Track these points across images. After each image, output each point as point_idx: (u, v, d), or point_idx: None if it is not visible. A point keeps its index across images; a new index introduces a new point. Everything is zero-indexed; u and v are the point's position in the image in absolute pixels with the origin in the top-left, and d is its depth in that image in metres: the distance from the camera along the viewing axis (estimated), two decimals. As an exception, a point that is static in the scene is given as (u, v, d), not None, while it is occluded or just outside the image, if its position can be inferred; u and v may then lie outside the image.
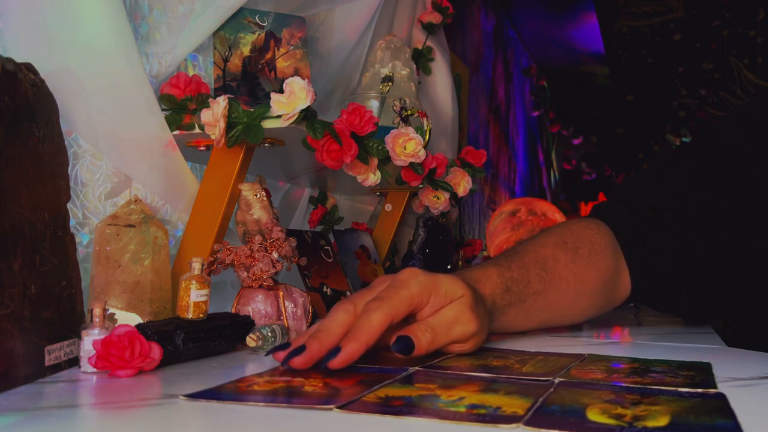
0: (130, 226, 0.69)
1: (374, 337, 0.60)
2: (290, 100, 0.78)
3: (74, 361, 0.59)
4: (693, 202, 0.92)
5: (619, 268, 0.91)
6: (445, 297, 0.66)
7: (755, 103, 1.07)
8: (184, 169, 0.86)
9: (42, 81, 0.60)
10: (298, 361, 0.57)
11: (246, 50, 1.02)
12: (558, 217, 2.12)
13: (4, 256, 0.51)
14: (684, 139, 4.72)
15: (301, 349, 0.58)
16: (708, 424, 0.43)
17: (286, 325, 0.76)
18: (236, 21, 1.01)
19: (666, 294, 0.93)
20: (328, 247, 1.13)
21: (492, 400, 0.48)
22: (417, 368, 0.60)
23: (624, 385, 0.54)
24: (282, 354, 0.59)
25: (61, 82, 0.73)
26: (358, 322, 0.60)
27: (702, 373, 0.60)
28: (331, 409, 0.45)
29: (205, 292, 0.68)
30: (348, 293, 1.09)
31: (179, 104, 0.84)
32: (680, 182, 0.94)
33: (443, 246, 1.38)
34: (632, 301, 0.95)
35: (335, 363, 0.57)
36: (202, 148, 0.87)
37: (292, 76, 0.89)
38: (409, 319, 0.66)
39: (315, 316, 0.97)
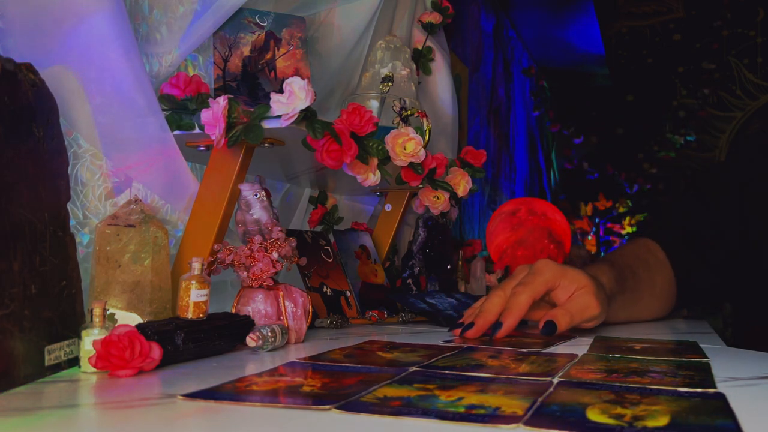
0: (130, 226, 0.69)
1: (523, 312, 0.80)
2: (290, 101, 0.78)
3: (74, 361, 0.60)
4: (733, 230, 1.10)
5: (672, 278, 1.10)
6: (572, 281, 0.84)
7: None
8: (184, 169, 0.86)
9: (42, 81, 0.60)
10: (470, 334, 0.79)
11: (246, 50, 1.01)
12: (558, 217, 2.11)
13: (4, 256, 0.51)
14: (688, 138, 4.72)
15: (471, 325, 0.79)
16: (708, 424, 0.43)
17: (286, 325, 0.76)
18: (236, 21, 1.01)
19: (701, 300, 1.19)
20: (328, 247, 1.13)
21: (491, 400, 0.48)
22: (415, 368, 0.60)
23: (624, 385, 0.54)
24: (458, 330, 0.80)
25: (61, 82, 0.73)
26: (510, 302, 0.80)
27: (701, 373, 0.60)
28: (329, 409, 0.45)
29: (205, 292, 0.68)
30: (348, 293, 1.09)
31: (179, 104, 0.84)
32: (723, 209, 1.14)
33: (443, 246, 1.38)
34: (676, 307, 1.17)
35: (499, 334, 0.78)
36: (202, 148, 0.87)
37: (292, 76, 0.89)
38: (545, 296, 0.85)
39: (315, 316, 0.97)
